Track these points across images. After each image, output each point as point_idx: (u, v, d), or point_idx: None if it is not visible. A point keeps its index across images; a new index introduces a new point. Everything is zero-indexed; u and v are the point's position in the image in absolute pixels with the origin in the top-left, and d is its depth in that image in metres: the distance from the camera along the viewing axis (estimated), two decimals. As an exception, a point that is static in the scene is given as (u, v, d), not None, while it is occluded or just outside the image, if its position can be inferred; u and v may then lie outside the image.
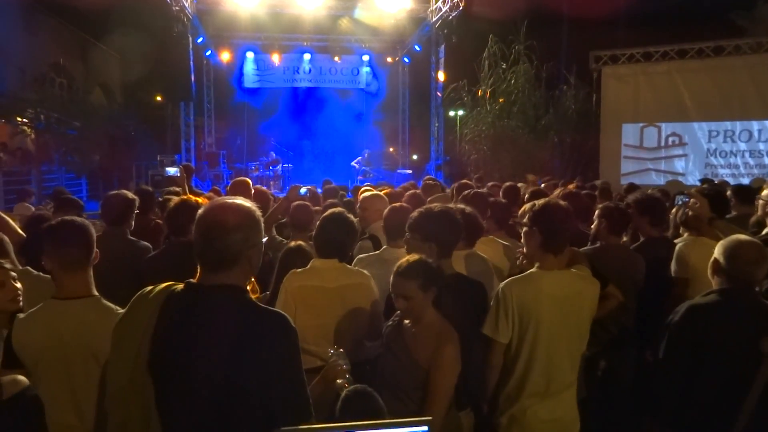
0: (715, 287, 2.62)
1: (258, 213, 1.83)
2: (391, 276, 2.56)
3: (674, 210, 4.18)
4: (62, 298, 2.36)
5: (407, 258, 2.59)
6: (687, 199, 3.67)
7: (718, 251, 2.58)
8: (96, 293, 2.42)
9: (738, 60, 12.52)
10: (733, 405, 2.39)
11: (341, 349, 2.37)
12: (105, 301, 2.37)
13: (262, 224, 1.85)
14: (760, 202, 3.82)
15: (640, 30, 17.49)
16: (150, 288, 1.83)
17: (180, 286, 1.80)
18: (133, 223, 4.05)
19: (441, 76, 16.35)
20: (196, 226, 1.78)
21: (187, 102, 16.21)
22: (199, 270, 1.79)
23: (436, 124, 16.90)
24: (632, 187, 6.40)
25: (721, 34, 13.83)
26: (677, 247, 3.89)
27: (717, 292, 2.58)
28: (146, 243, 3.92)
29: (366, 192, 5.41)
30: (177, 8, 14.20)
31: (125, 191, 4.21)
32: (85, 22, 20.24)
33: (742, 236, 2.66)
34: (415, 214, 2.99)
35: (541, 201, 2.81)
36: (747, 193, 4.50)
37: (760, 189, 4.02)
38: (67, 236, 2.40)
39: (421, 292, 2.48)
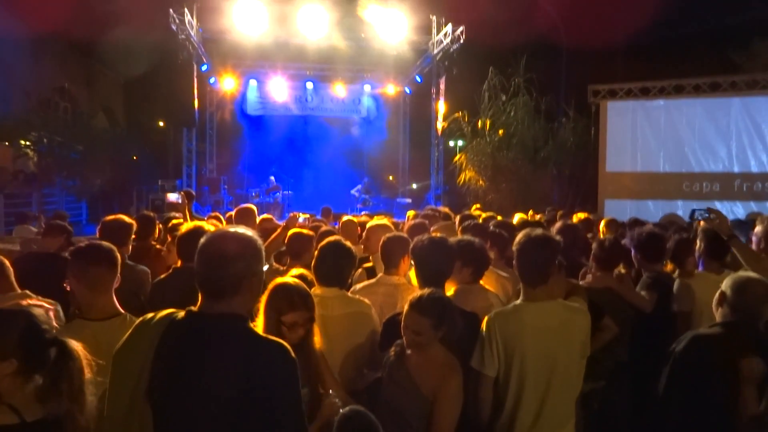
0: (719, 320, 2.66)
1: (259, 242, 1.86)
2: (406, 306, 2.57)
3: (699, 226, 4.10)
4: (90, 319, 2.39)
5: (423, 292, 2.60)
6: (707, 215, 3.66)
7: (726, 284, 2.65)
8: (123, 311, 2.47)
9: (734, 96, 12.74)
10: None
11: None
12: (136, 319, 2.38)
13: (263, 253, 1.88)
14: (754, 238, 3.86)
15: (638, 65, 17.80)
16: (151, 315, 1.85)
17: (181, 314, 1.81)
18: (130, 247, 4.07)
19: (441, 106, 16.55)
20: (198, 255, 1.81)
21: (189, 128, 16.37)
22: (200, 298, 1.82)
23: (437, 154, 17.03)
24: (635, 222, 6.40)
25: (717, 70, 14.08)
26: (678, 282, 3.92)
27: (721, 325, 2.63)
28: (144, 267, 3.94)
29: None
30: (183, 36, 14.46)
31: (122, 216, 4.25)
32: (91, 47, 20.51)
33: (751, 273, 2.73)
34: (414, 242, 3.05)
35: (521, 234, 2.85)
36: (739, 227, 4.55)
37: (753, 224, 4.06)
38: (95, 257, 2.49)
39: (432, 330, 2.50)
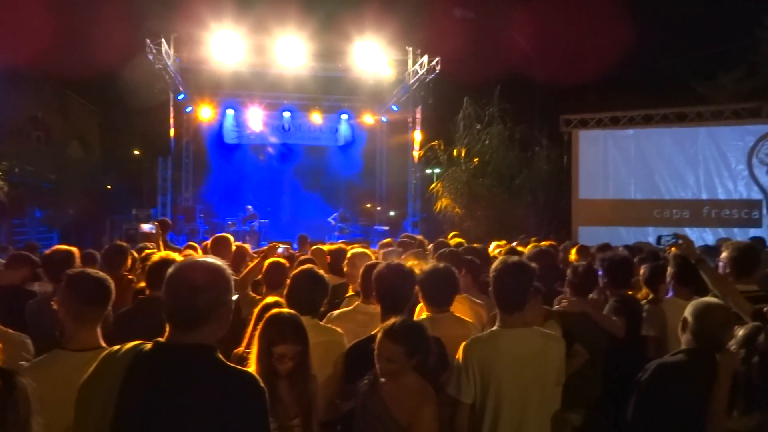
0: (683, 346, 2.69)
1: (228, 271, 1.85)
2: (379, 335, 2.57)
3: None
4: (71, 350, 2.34)
5: (396, 320, 2.60)
6: (675, 240, 3.71)
7: (688, 311, 2.67)
8: (104, 345, 2.41)
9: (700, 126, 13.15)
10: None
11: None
12: None
13: (233, 282, 1.87)
14: (720, 263, 3.94)
15: (608, 95, 18.29)
16: (117, 347, 1.82)
17: (148, 346, 1.79)
18: None
19: (418, 135, 16.76)
20: (166, 285, 1.79)
21: (165, 157, 16.27)
22: (168, 329, 1.80)
23: (414, 182, 17.17)
24: (605, 247, 6.53)
25: (684, 102, 14.53)
26: (649, 306, 3.98)
27: (684, 352, 2.65)
28: None
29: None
30: (159, 66, 14.47)
31: (68, 247, 4.18)
32: (66, 76, 20.41)
33: (713, 299, 2.76)
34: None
35: (497, 261, 2.89)
36: (708, 253, 4.64)
37: (720, 250, 4.15)
38: (87, 293, 2.42)
39: (406, 357, 2.50)
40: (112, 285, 2.52)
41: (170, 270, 1.81)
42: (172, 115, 15.53)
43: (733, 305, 3.13)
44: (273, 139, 19.14)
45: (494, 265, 2.82)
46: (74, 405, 1.80)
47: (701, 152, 13.11)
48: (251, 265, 4.59)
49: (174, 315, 1.77)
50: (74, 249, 4.17)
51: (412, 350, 2.50)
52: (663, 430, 2.54)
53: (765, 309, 3.12)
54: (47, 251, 4.22)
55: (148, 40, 13.98)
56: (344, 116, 19.15)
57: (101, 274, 2.55)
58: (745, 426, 2.43)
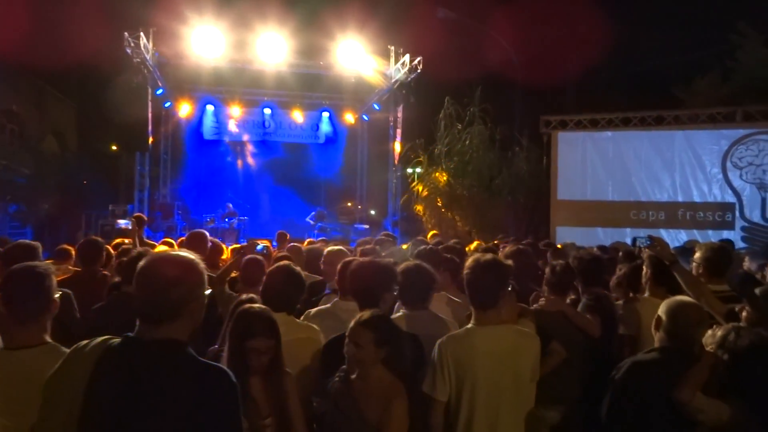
0: (657, 344, 2.72)
1: (201, 265, 1.82)
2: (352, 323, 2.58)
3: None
4: (12, 348, 2.26)
5: (373, 311, 2.63)
6: (648, 242, 3.76)
7: (661, 309, 2.70)
8: (50, 340, 2.33)
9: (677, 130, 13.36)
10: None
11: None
12: (62, 348, 2.24)
13: (205, 277, 1.83)
14: (694, 264, 4.00)
15: (587, 97, 18.50)
16: (86, 342, 1.78)
17: (117, 340, 1.75)
18: None
19: (399, 134, 16.77)
20: (136, 279, 1.75)
21: (143, 152, 16.05)
22: (138, 323, 1.76)
23: (394, 181, 17.17)
24: (571, 246, 6.59)
25: (662, 105, 14.75)
26: (624, 305, 4.02)
27: (658, 350, 2.68)
28: (66, 290, 3.74)
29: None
30: (138, 60, 14.26)
31: (29, 241, 4.09)
32: (42, 69, 20.04)
33: (686, 298, 2.79)
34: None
35: (471, 258, 2.90)
36: (683, 254, 4.71)
37: (693, 251, 4.21)
38: (20, 291, 2.31)
39: (373, 345, 2.49)
40: (52, 279, 2.41)
41: (141, 263, 1.77)
42: (150, 110, 15.31)
43: (706, 306, 3.18)
44: (253, 136, 19.00)
45: (468, 263, 2.83)
46: (41, 401, 1.75)
47: (677, 155, 13.31)
48: (229, 262, 4.54)
49: (144, 309, 1.74)
50: (35, 244, 4.06)
51: (380, 339, 2.49)
52: (637, 427, 2.56)
53: (737, 308, 3.18)
54: (8, 246, 4.11)
55: (126, 34, 13.77)
56: (325, 114, 19.08)
57: (41, 268, 2.42)
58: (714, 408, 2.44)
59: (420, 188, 16.28)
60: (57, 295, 2.42)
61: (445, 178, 15.95)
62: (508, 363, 2.70)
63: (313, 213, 17.07)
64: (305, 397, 2.97)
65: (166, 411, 1.64)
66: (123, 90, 15.32)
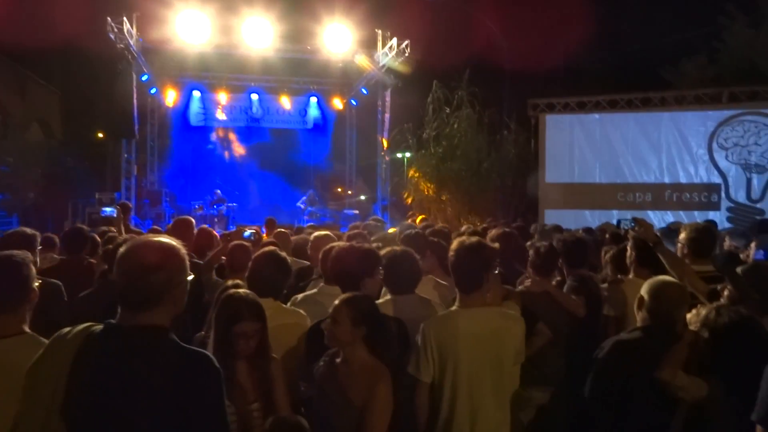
0: (639, 323, 2.75)
1: (183, 251, 1.81)
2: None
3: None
4: None
5: (357, 293, 2.67)
6: (633, 225, 3.81)
7: (644, 289, 2.73)
8: (28, 330, 2.31)
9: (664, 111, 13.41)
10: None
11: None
12: (40, 338, 2.22)
13: (187, 263, 1.83)
14: (679, 245, 4.04)
15: (575, 81, 18.51)
16: (68, 329, 1.77)
17: (99, 327, 1.74)
18: (38, 260, 3.86)
19: (387, 118, 16.70)
20: (117, 265, 1.75)
21: (129, 139, 15.89)
22: (120, 310, 1.75)
23: (383, 166, 17.13)
24: (557, 228, 6.59)
25: (649, 87, 14.78)
26: (609, 286, 4.06)
27: (641, 329, 2.71)
28: (55, 281, 3.73)
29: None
30: (122, 45, 14.04)
31: (24, 228, 4.06)
32: (25, 56, 19.71)
33: (668, 277, 2.83)
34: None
35: (455, 241, 2.91)
36: (667, 236, 4.76)
37: (678, 232, 4.25)
38: None
39: (350, 322, 2.51)
40: (30, 268, 2.38)
41: (122, 249, 1.77)
42: (135, 96, 15.12)
43: (689, 286, 3.22)
44: (241, 122, 18.85)
45: (453, 246, 2.85)
46: (22, 389, 1.75)
47: (664, 137, 13.37)
48: (216, 249, 4.53)
49: (126, 295, 1.73)
50: (32, 232, 4.01)
51: (358, 317, 2.51)
52: (619, 405, 2.60)
53: (719, 287, 3.22)
54: (5, 234, 4.06)
55: (108, 19, 13.53)
56: (313, 99, 18.95)
57: (19, 257, 2.39)
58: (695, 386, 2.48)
59: (414, 173, 16.29)
60: (36, 284, 2.39)
61: (433, 163, 15.93)
62: (490, 345, 2.71)
63: (304, 197, 17.02)
64: (293, 382, 2.99)
65: (148, 397, 1.64)
66: (108, 77, 15.11)
